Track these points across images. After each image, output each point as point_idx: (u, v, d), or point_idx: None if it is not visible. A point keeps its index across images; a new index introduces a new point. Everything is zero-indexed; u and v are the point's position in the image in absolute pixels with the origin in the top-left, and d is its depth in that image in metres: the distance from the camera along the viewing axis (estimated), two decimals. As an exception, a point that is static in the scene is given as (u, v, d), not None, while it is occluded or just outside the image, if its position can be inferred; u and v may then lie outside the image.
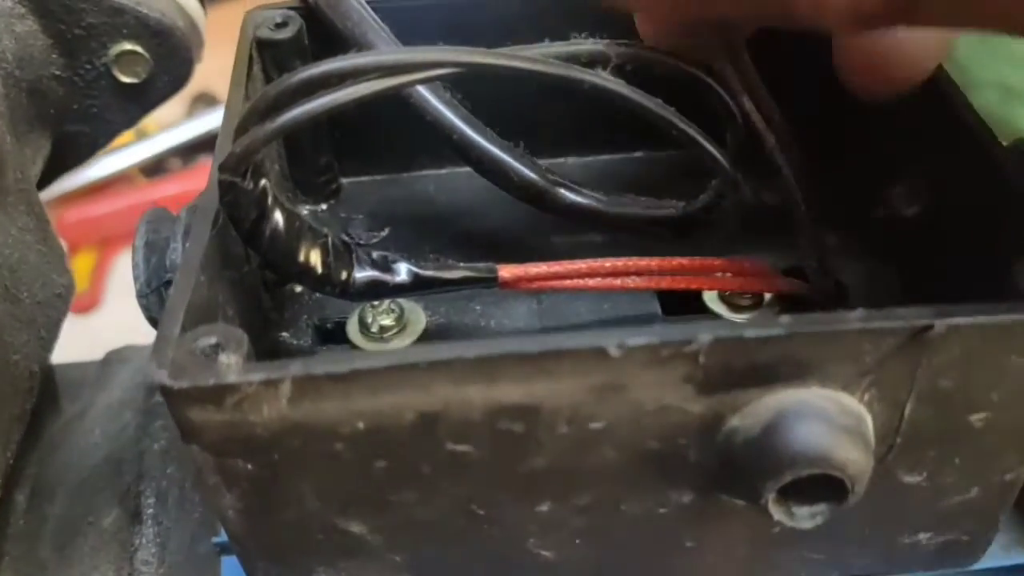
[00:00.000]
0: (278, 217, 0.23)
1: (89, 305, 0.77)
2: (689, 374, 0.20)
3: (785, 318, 0.19)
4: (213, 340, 0.20)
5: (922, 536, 0.24)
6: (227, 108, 0.26)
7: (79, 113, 0.34)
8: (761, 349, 0.19)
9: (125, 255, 0.83)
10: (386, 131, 0.32)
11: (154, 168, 0.90)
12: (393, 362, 0.19)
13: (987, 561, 0.26)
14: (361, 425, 0.20)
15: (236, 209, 0.23)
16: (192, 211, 0.27)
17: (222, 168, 0.22)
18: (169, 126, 0.88)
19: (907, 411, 0.21)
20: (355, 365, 0.19)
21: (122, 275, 0.82)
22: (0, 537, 0.29)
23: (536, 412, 0.20)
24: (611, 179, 0.34)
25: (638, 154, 0.35)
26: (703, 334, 0.19)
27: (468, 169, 0.29)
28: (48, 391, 0.35)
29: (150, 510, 0.28)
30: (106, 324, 0.75)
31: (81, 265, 0.80)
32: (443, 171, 0.34)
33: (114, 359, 0.37)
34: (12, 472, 0.31)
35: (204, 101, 0.93)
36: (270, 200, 0.23)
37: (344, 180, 0.34)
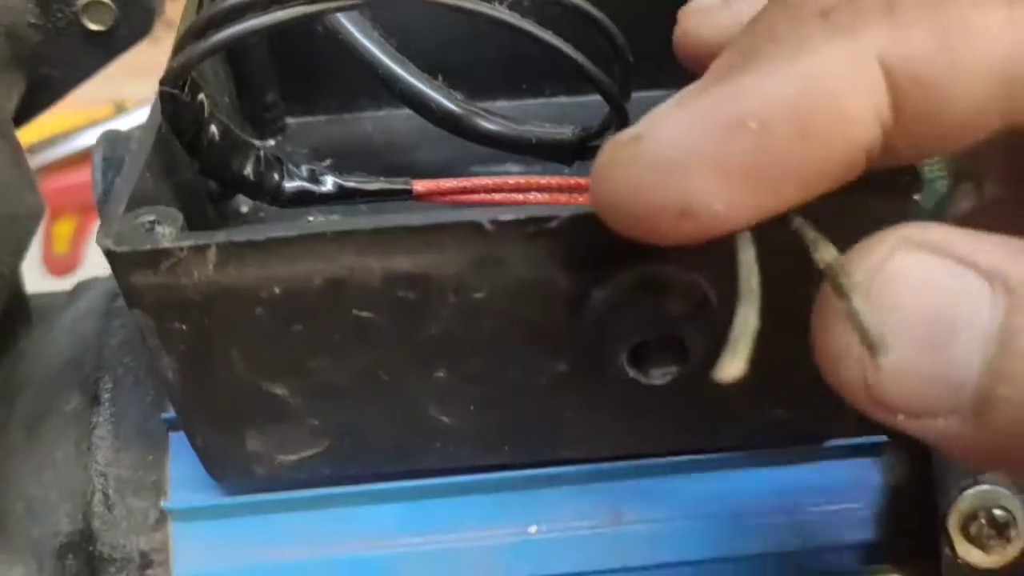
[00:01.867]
0: (214, 129, 0.27)
1: (69, 267, 0.80)
2: (554, 249, 0.23)
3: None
4: (152, 217, 0.23)
5: (776, 411, 0.28)
6: (177, 33, 0.30)
7: (51, 58, 0.37)
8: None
9: (104, 222, 0.87)
10: (328, 74, 0.36)
11: (132, 141, 0.93)
12: (304, 231, 0.23)
13: (837, 439, 0.30)
14: (277, 290, 0.24)
15: (176, 119, 0.26)
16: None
17: (162, 81, 0.25)
18: (145, 102, 0.92)
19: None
20: (271, 234, 0.23)
21: (100, 241, 0.86)
22: (-26, 430, 0.33)
23: (427, 281, 0.24)
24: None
25: (561, 99, 0.39)
26: (563, 212, 0.23)
27: (403, 111, 0.33)
28: (22, 313, 0.39)
29: (107, 394, 0.31)
30: (85, 287, 0.79)
31: (62, 230, 0.83)
32: (380, 113, 0.38)
33: (82, 286, 0.40)
34: (-14, 376, 0.34)
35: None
36: (207, 113, 0.27)
37: (290, 120, 0.38)
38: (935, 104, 0.18)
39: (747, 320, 0.19)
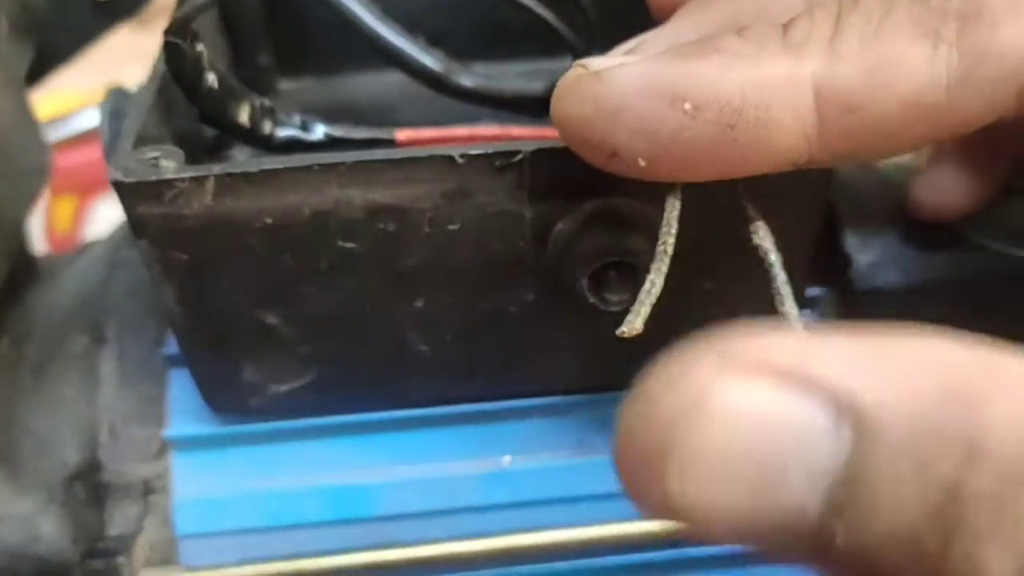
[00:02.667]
0: (212, 77, 0.29)
1: (69, 245, 0.82)
2: (520, 182, 0.26)
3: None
4: (156, 153, 0.26)
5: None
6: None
7: (57, 24, 0.40)
8: (574, 160, 0.25)
9: (104, 200, 0.89)
10: (318, 38, 0.39)
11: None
12: (292, 164, 0.25)
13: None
14: (269, 220, 0.26)
15: (178, 66, 0.28)
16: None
17: (167, 32, 0.28)
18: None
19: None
20: (263, 167, 0.25)
21: (101, 218, 0.88)
22: (-16, 375, 0.35)
23: (405, 213, 0.26)
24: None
25: (535, 63, 0.41)
26: (528, 147, 0.25)
27: (389, 75, 0.35)
28: (31, 271, 0.41)
29: (112, 335, 0.33)
30: (84, 265, 0.81)
31: (63, 208, 0.86)
32: (367, 76, 0.40)
33: (86, 246, 0.43)
34: (-4, 325, 0.37)
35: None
36: (206, 62, 0.29)
37: (282, 82, 0.40)
38: (856, 126, 0.21)
39: (653, 282, 0.22)
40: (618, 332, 0.22)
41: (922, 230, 0.32)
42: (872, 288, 0.32)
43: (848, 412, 0.15)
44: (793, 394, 0.15)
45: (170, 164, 0.25)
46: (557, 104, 0.22)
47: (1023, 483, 0.14)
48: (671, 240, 0.23)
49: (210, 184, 0.25)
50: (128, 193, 0.25)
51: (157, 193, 0.25)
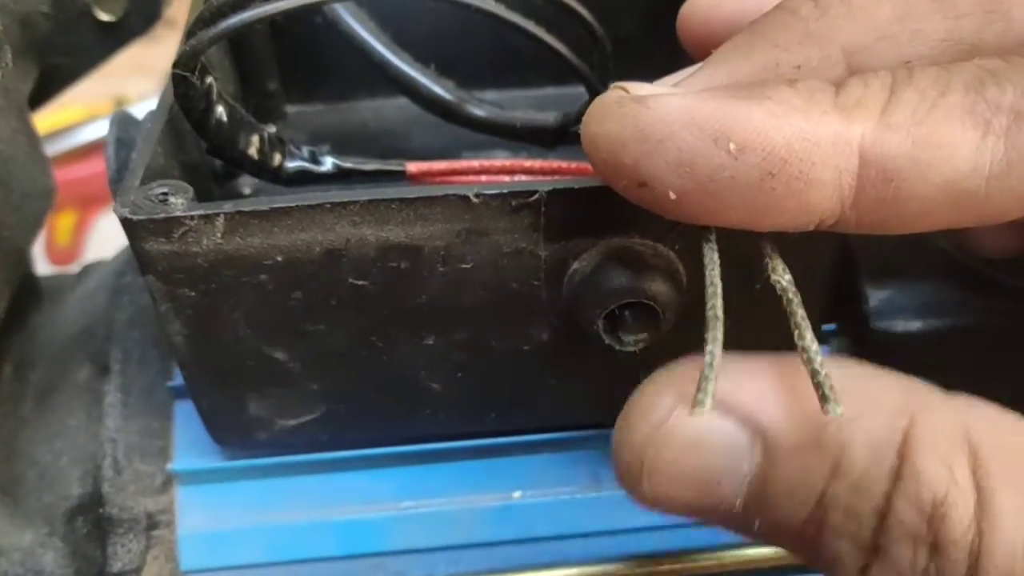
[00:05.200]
0: (222, 109, 0.29)
1: (70, 259, 0.82)
2: (535, 222, 0.25)
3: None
4: (165, 189, 0.25)
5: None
6: (187, 22, 0.32)
7: (62, 46, 0.39)
8: (590, 201, 0.25)
9: (104, 215, 0.89)
10: (327, 64, 0.38)
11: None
12: (304, 202, 0.25)
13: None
14: (279, 258, 0.25)
15: (187, 100, 0.28)
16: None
17: (175, 64, 0.27)
18: (145, 98, 0.94)
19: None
20: (275, 205, 0.24)
21: (101, 232, 0.87)
22: (-12, 403, 0.35)
23: (418, 251, 0.26)
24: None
25: (546, 90, 0.41)
26: (544, 186, 0.25)
27: (398, 100, 0.35)
28: (33, 293, 0.41)
29: (116, 365, 0.33)
30: (85, 279, 0.81)
31: (64, 223, 0.85)
32: (376, 101, 0.40)
33: (89, 268, 0.42)
34: (0, 351, 0.36)
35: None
36: (215, 95, 0.28)
37: (290, 107, 0.40)
38: (892, 197, 0.20)
39: (713, 354, 0.21)
40: (689, 414, 0.21)
41: (943, 269, 0.31)
42: (886, 328, 0.32)
43: (758, 435, 0.21)
44: (721, 421, 0.21)
45: (179, 201, 0.25)
46: (591, 123, 0.22)
47: (867, 494, 0.19)
48: (719, 302, 0.22)
49: (220, 222, 0.24)
50: (136, 230, 0.25)
51: (166, 230, 0.25)
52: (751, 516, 0.21)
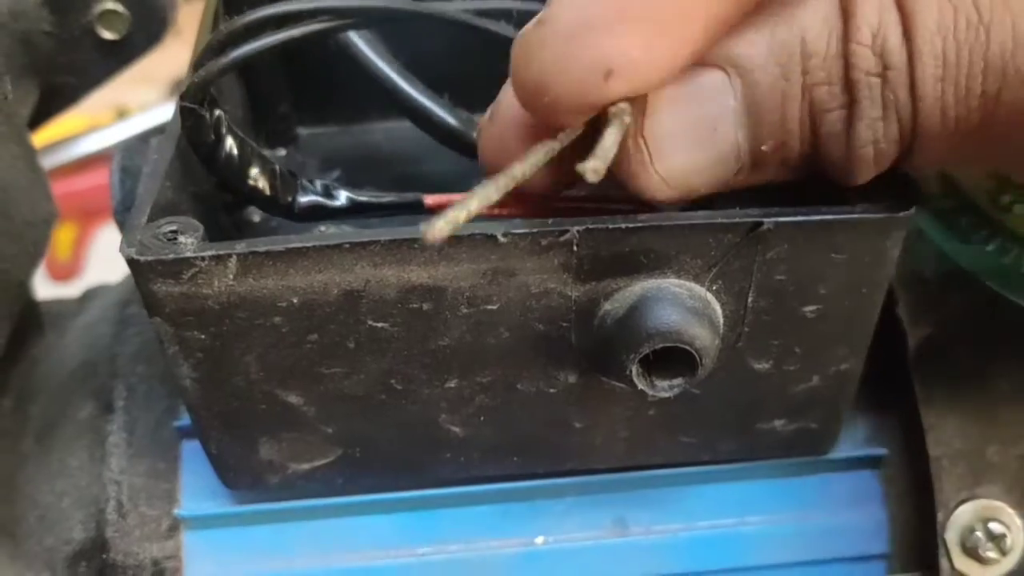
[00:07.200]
0: (231, 142, 0.27)
1: (71, 273, 0.80)
2: (566, 262, 0.24)
3: (644, 215, 0.24)
4: (174, 227, 0.24)
5: (776, 423, 0.28)
6: (194, 51, 0.30)
7: (65, 65, 0.38)
8: (624, 239, 0.24)
9: (105, 228, 0.87)
10: (339, 86, 0.37)
11: (134, 148, 0.94)
12: (321, 242, 0.23)
13: (838, 452, 0.30)
14: (296, 300, 0.24)
15: (195, 133, 0.27)
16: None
17: (183, 96, 0.26)
18: (148, 108, 0.92)
19: (749, 301, 0.25)
20: (290, 245, 0.23)
21: (102, 246, 0.86)
22: (-12, 438, 0.33)
23: (441, 292, 0.24)
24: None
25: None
26: (575, 226, 0.23)
27: (409, 123, 0.33)
28: (33, 319, 0.39)
29: (121, 402, 0.31)
30: (86, 293, 0.79)
31: (64, 236, 0.83)
32: (389, 124, 0.38)
33: (91, 293, 0.41)
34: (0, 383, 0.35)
35: (181, 87, 0.97)
36: (224, 127, 0.27)
37: (301, 130, 0.38)
38: None
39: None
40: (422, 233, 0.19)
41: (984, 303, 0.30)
42: (925, 364, 0.30)
43: (733, 68, 0.22)
44: (700, 71, 0.22)
45: (189, 241, 0.23)
46: (523, 73, 0.21)
47: (833, 61, 0.22)
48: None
49: (232, 263, 0.23)
50: (143, 271, 0.23)
51: (175, 272, 0.23)
52: (755, 146, 0.23)
